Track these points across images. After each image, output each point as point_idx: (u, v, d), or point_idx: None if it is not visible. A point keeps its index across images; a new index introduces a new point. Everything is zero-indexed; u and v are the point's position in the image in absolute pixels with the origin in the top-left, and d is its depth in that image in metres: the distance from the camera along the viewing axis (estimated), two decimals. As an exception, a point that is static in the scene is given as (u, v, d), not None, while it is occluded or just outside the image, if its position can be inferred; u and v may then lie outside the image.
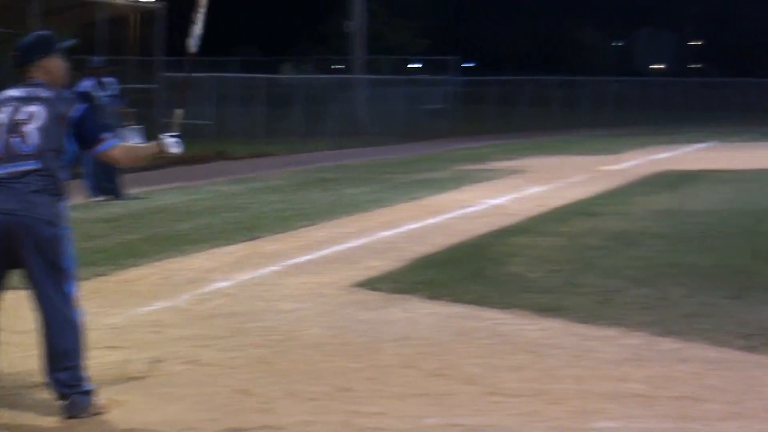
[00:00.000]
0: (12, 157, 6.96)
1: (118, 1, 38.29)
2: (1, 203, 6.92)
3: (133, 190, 23.34)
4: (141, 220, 19.14)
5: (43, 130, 7.04)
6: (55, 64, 7.38)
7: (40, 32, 8.41)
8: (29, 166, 6.93)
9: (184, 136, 7.67)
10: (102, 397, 7.52)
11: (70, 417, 7.16)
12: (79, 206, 20.52)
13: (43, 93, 7.21)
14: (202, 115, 41.87)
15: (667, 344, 9.17)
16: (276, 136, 43.11)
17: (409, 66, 67.51)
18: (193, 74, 35.54)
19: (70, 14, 36.08)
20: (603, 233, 16.18)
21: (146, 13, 40.64)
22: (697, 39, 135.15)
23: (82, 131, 7.23)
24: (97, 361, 8.12)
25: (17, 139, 6.98)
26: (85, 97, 21.13)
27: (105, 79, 22.64)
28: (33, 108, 7.09)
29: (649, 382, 7.99)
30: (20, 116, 7.04)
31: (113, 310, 11.12)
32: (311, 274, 13.22)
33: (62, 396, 7.14)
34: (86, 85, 21.90)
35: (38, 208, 7.01)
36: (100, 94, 22.05)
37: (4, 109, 7.10)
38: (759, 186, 23.56)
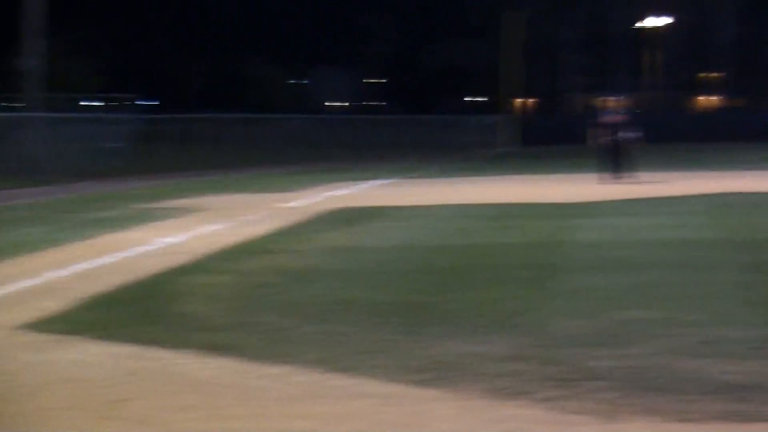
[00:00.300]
0: None
1: None
2: None
3: None
4: None
5: None
6: None
7: None
8: None
9: None
10: None
11: None
12: None
13: None
14: None
15: (340, 380, 9.20)
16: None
17: (87, 104, 66.75)
18: None
19: None
20: (277, 271, 16.21)
21: None
22: (380, 77, 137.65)
23: None
24: None
25: None
26: None
27: None
28: None
29: (321, 418, 8.02)
30: None
31: None
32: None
33: None
34: None
35: None
36: None
37: None
38: (436, 221, 24.07)
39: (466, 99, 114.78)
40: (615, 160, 35.93)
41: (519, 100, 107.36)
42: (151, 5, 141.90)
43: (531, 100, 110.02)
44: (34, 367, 10.07)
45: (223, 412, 8.35)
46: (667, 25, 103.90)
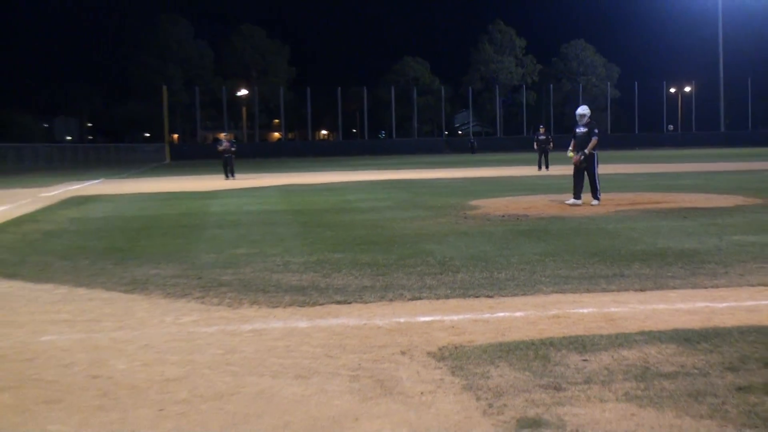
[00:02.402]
0: None
1: None
2: None
3: None
4: None
5: None
6: None
7: None
8: None
9: None
10: None
11: None
12: None
13: None
14: None
15: (82, 291, 8.91)
16: None
17: None
18: None
19: None
20: (41, 231, 15.34)
21: None
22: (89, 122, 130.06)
23: None
24: None
25: None
26: None
27: None
28: None
29: (73, 313, 7.77)
30: None
31: None
32: None
33: None
34: None
35: None
36: None
37: None
38: (129, 202, 23.37)
39: (146, 135, 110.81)
40: (228, 167, 35.83)
41: (173, 135, 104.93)
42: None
43: (176, 135, 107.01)
44: None
45: (14, 309, 7.98)
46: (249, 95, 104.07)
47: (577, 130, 17.75)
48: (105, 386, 5.40)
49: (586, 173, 17.64)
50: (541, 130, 39.15)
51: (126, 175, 45.60)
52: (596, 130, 17.28)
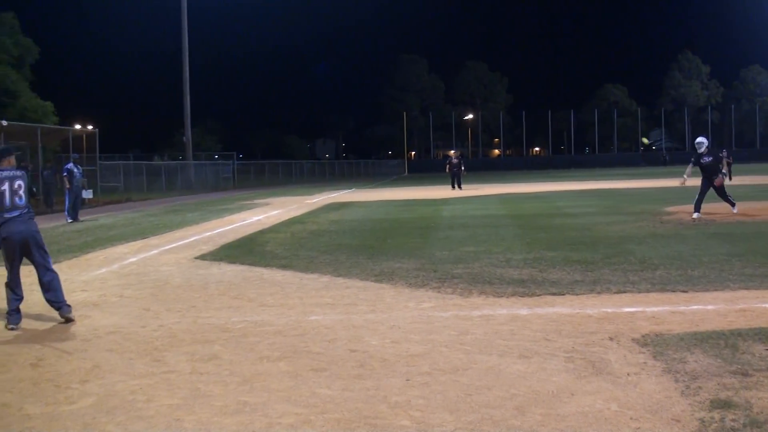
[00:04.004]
0: (16, 207, 7.10)
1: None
2: (17, 227, 7.05)
3: (85, 217, 22.27)
4: (91, 231, 18.14)
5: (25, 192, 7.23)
6: (11, 160, 7.31)
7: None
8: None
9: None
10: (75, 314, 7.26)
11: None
12: (60, 224, 19.48)
13: (19, 172, 7.31)
14: (118, 180, 40.89)
15: (340, 280, 9.21)
16: (152, 191, 41.58)
17: (213, 155, 65.84)
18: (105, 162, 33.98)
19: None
20: (307, 231, 16.07)
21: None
22: (346, 143, 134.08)
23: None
24: (74, 297, 7.79)
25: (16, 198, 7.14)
26: (69, 172, 20.76)
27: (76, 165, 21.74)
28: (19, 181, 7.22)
29: (332, 297, 8.05)
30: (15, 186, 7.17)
31: (83, 272, 10.65)
32: (174, 254, 12.75)
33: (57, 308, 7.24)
34: (69, 166, 21.25)
35: (33, 227, 7.17)
36: (75, 171, 21.22)
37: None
38: (377, 207, 23.93)
39: (389, 153, 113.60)
40: (455, 179, 35.63)
41: (411, 152, 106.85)
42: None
43: (413, 152, 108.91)
44: (201, 276, 10.03)
45: (288, 294, 8.36)
46: (473, 118, 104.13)
47: (704, 160, 16.12)
48: (361, 358, 5.56)
49: (715, 190, 16.30)
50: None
51: (373, 186, 46.98)
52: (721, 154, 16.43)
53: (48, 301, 7.26)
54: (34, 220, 7.33)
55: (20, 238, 7.08)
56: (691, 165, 16.32)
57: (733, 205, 16.48)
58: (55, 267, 7.51)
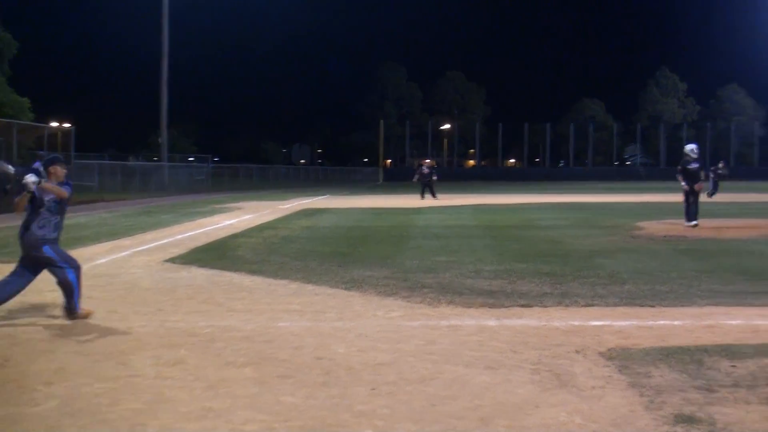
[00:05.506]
0: None
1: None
2: None
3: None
4: (63, 230, 17.92)
5: None
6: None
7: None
8: None
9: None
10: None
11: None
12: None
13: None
14: (92, 180, 40.46)
15: (309, 287, 9.21)
16: (127, 192, 41.15)
17: (188, 158, 65.24)
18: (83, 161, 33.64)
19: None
20: (278, 237, 16.01)
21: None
22: (320, 149, 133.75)
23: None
24: (42, 297, 7.70)
25: None
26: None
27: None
28: None
29: (303, 305, 8.03)
30: None
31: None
32: (145, 256, 12.66)
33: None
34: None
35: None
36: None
37: None
38: (349, 214, 23.88)
39: (365, 160, 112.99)
40: (425, 188, 34.95)
41: (386, 160, 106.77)
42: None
43: (389, 161, 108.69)
44: (170, 279, 9.98)
45: (256, 299, 8.33)
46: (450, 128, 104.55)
47: (692, 166, 17.16)
48: (328, 366, 5.55)
49: (692, 193, 17.15)
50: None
51: (347, 193, 46.89)
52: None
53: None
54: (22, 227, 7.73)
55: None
56: (681, 174, 17.20)
57: (690, 219, 16.83)
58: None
